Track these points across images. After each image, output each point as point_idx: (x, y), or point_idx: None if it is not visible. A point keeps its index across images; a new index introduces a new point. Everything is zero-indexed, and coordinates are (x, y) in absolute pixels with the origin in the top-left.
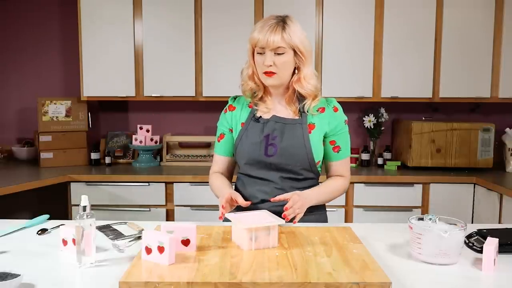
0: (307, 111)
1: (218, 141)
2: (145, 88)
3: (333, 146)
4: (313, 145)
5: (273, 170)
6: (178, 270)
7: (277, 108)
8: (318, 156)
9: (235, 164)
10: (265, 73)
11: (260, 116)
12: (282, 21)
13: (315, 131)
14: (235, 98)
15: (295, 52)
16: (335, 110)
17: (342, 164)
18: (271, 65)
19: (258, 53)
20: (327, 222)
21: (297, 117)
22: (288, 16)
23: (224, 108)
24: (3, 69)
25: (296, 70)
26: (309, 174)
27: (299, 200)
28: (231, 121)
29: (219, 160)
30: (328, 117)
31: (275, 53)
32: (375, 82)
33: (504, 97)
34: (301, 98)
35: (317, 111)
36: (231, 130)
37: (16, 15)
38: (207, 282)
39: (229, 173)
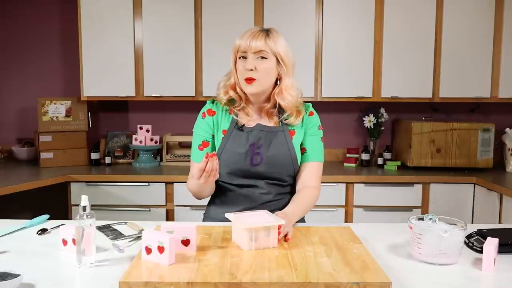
0: (287, 124)
1: (200, 149)
2: (145, 88)
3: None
4: (296, 152)
5: (258, 178)
6: (178, 270)
7: (257, 117)
8: (299, 163)
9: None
10: (246, 79)
11: (243, 125)
12: (266, 30)
13: (295, 137)
14: (213, 101)
15: (277, 61)
16: (310, 114)
17: (306, 169)
18: (252, 69)
19: (240, 58)
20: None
21: (278, 125)
22: (274, 28)
23: (202, 112)
24: (3, 69)
25: (278, 81)
26: (292, 180)
27: (287, 221)
28: (213, 126)
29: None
30: (304, 122)
31: (257, 58)
32: (375, 82)
33: (504, 97)
34: (281, 111)
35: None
36: (213, 136)
37: (16, 15)
38: (207, 282)
39: (214, 187)
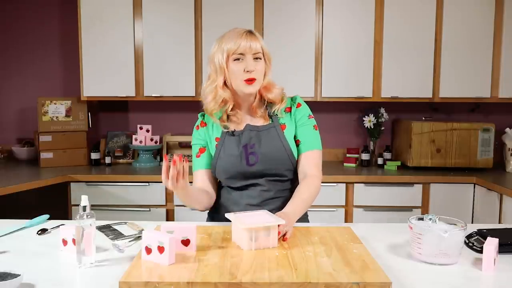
0: (276, 114)
1: (198, 156)
2: (145, 88)
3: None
4: (290, 145)
5: (257, 177)
6: (178, 270)
7: (247, 118)
8: (296, 155)
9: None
10: (246, 81)
11: (234, 129)
12: (250, 31)
13: (287, 131)
14: (203, 114)
15: (264, 59)
16: (298, 106)
17: (303, 159)
18: (253, 70)
19: (235, 59)
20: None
21: (268, 122)
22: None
23: (196, 125)
24: (4, 69)
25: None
26: (292, 174)
27: (287, 221)
28: (205, 136)
29: (203, 175)
30: (293, 114)
31: (254, 59)
32: (375, 82)
33: (504, 97)
34: (268, 103)
35: (285, 111)
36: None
37: (16, 15)
38: (207, 282)
39: (215, 187)
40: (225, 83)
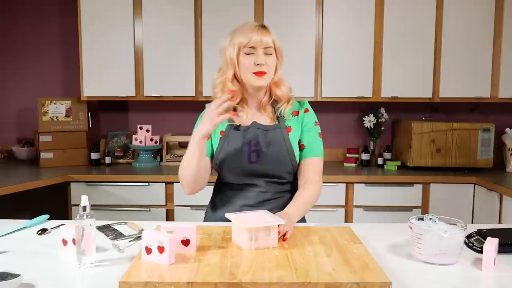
0: (283, 115)
1: None
2: (145, 88)
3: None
4: (294, 148)
5: (257, 176)
6: (178, 270)
7: (254, 115)
8: (298, 159)
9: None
10: (256, 74)
11: (240, 124)
12: (263, 25)
13: (292, 134)
14: None
15: (276, 54)
16: (306, 111)
17: (306, 165)
18: (264, 64)
19: (246, 53)
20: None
21: (274, 123)
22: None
23: (201, 115)
24: (4, 69)
25: (274, 72)
26: (291, 177)
27: (287, 221)
28: None
29: None
30: (300, 119)
31: (265, 53)
32: (375, 82)
33: (504, 97)
34: (275, 103)
35: (292, 114)
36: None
37: (16, 15)
38: (207, 282)
39: (209, 174)
40: (235, 77)
